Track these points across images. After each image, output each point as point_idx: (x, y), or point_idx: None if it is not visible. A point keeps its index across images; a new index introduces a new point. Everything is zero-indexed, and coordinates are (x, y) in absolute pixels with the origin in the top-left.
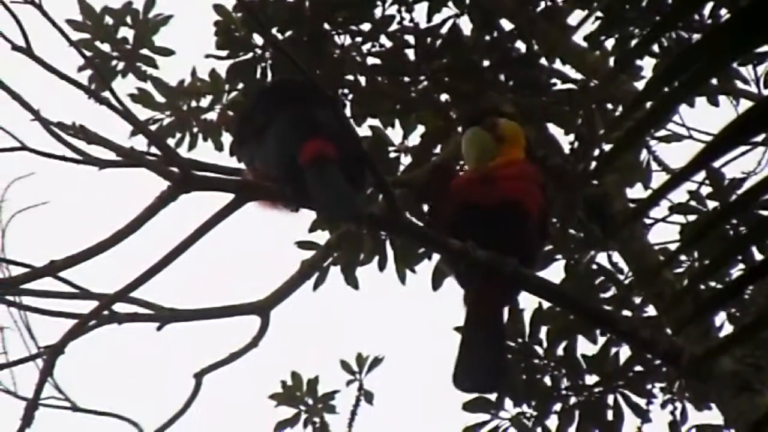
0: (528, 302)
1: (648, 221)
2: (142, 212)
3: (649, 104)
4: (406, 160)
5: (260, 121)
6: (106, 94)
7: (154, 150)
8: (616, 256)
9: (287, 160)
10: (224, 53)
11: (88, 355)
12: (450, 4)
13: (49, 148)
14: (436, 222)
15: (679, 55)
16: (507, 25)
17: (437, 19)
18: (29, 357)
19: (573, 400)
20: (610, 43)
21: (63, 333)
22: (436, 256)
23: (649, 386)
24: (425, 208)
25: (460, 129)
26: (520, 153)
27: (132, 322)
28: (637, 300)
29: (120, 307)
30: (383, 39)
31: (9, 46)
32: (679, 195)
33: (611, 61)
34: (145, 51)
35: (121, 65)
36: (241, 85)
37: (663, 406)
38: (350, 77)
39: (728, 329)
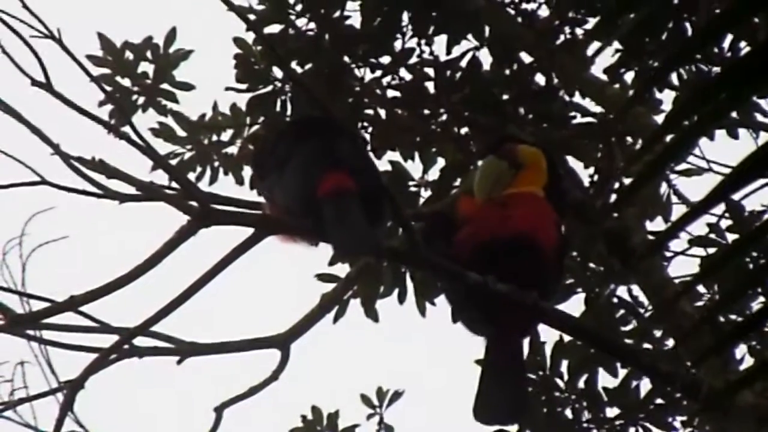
0: (549, 335)
1: (668, 254)
2: (162, 247)
3: (669, 138)
4: (426, 193)
5: (281, 154)
6: (127, 128)
7: (174, 184)
8: (637, 289)
9: (306, 193)
10: (244, 86)
11: (109, 389)
12: (470, 36)
13: (69, 183)
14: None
15: (699, 90)
16: (526, 58)
17: (457, 51)
18: (49, 391)
19: None
20: (629, 77)
21: (83, 367)
22: None
23: (669, 419)
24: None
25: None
26: (539, 182)
27: (152, 355)
28: (658, 333)
29: (140, 341)
30: (403, 72)
31: (29, 81)
32: (699, 228)
33: (630, 94)
34: (165, 85)
35: (141, 100)
36: (261, 119)
37: None
38: (370, 110)
39: (749, 361)
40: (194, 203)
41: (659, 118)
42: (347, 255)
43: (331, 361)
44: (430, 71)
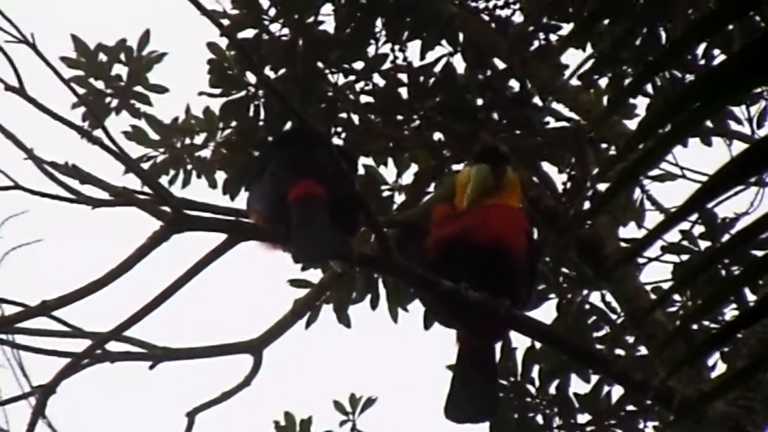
0: (520, 341)
1: (641, 260)
2: (135, 252)
3: (643, 146)
4: (399, 198)
5: (261, 163)
6: (100, 132)
7: (147, 189)
8: (609, 296)
9: (278, 200)
10: (218, 91)
11: (81, 394)
12: (443, 42)
13: (43, 187)
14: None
15: (673, 98)
16: (500, 64)
17: (430, 57)
18: (21, 396)
19: None
20: (603, 82)
21: (56, 372)
22: None
23: (641, 425)
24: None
25: (469, 161)
26: (515, 202)
27: (125, 360)
28: (630, 339)
29: (113, 346)
30: (376, 77)
31: (3, 86)
32: (672, 235)
33: (605, 101)
34: (138, 88)
35: (114, 102)
36: (234, 123)
37: None
38: (343, 116)
39: (721, 367)
40: (167, 209)
41: (633, 124)
42: (306, 259)
43: (304, 367)
44: (404, 77)
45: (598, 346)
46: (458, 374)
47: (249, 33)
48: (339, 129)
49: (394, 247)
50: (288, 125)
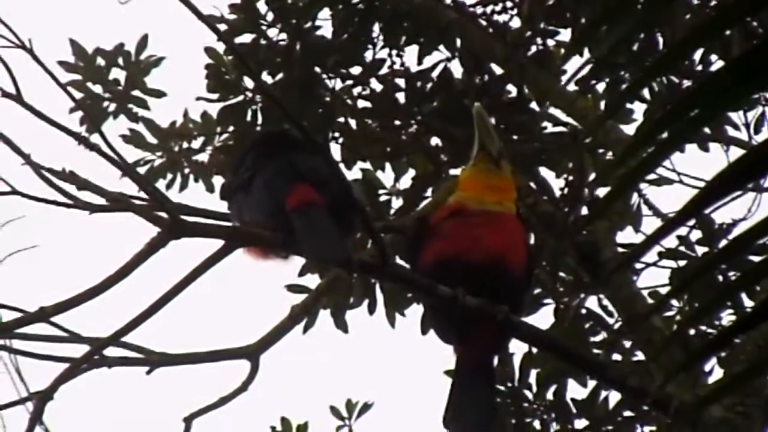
0: (518, 346)
1: (638, 266)
2: (132, 258)
3: (642, 151)
4: (397, 203)
5: (246, 174)
6: (97, 137)
7: (144, 194)
8: (606, 300)
9: (275, 209)
10: (215, 96)
11: (79, 399)
12: (441, 47)
13: (40, 192)
14: (421, 270)
15: (674, 104)
16: (498, 69)
17: (428, 62)
18: (18, 401)
19: None
20: (601, 88)
21: (54, 377)
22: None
23: (638, 431)
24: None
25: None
26: (512, 198)
27: (122, 366)
28: (627, 344)
29: (110, 351)
30: (374, 82)
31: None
32: (669, 240)
33: (602, 106)
34: (136, 92)
35: (112, 106)
36: (232, 128)
37: None
38: (341, 120)
39: (718, 373)
40: (164, 215)
41: (630, 128)
42: (320, 263)
43: (300, 372)
44: (401, 82)
45: (596, 351)
46: (457, 385)
47: (246, 38)
48: (336, 134)
49: (391, 253)
50: (265, 133)
